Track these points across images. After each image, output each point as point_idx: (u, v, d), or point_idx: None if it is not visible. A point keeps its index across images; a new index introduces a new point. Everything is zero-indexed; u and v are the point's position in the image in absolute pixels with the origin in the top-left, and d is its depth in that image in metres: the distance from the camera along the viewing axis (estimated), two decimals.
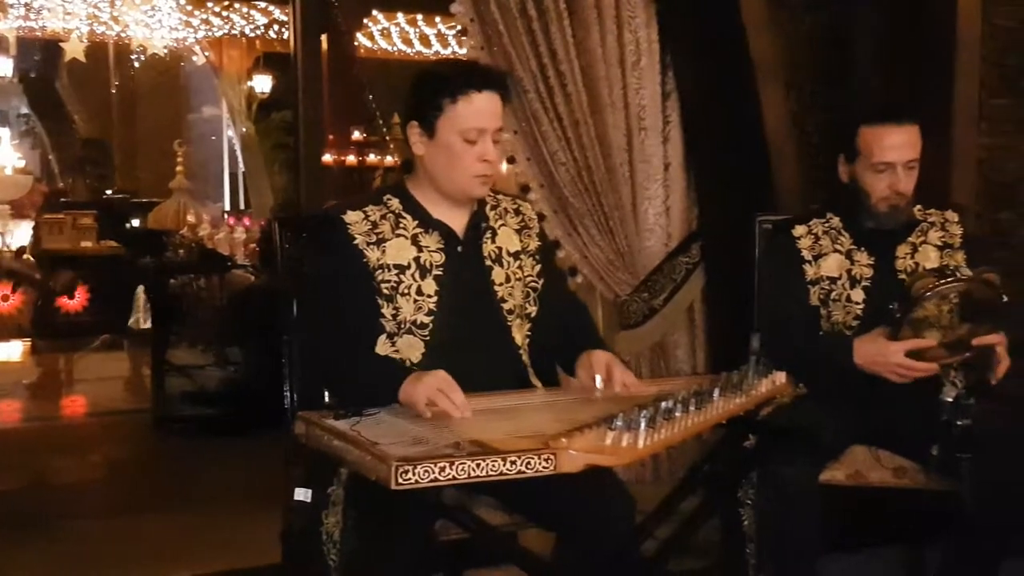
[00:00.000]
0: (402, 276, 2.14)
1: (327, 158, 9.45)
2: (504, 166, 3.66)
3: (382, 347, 2.15)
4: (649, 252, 3.61)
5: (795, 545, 2.39)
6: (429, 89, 2.14)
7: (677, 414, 1.85)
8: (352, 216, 2.16)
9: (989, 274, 2.39)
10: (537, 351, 2.26)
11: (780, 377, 2.23)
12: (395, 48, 10.03)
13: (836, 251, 2.63)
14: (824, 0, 3.37)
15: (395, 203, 2.21)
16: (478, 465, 1.63)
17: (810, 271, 2.64)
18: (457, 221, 2.21)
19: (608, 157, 3.48)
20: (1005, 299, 2.36)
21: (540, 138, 3.49)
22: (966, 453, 1.99)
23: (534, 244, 2.31)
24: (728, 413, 2.03)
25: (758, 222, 2.88)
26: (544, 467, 1.67)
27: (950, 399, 2.03)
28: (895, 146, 2.52)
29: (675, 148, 3.61)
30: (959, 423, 2.00)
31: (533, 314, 2.27)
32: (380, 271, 2.13)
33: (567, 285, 2.45)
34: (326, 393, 2.28)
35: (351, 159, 10.29)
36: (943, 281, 2.34)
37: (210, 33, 10.60)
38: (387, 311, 2.13)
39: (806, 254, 2.65)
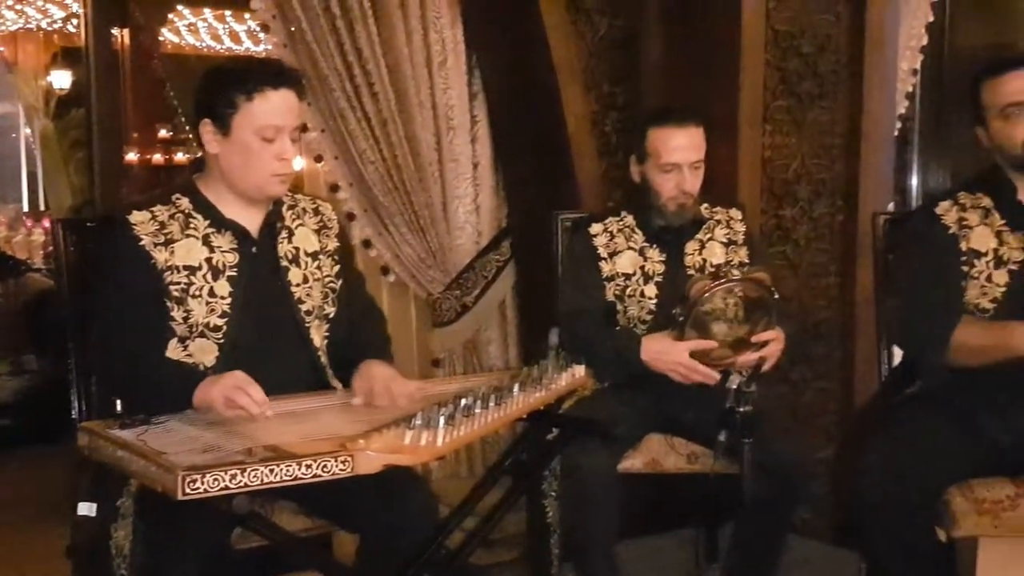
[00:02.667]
0: (193, 277, 2.08)
1: (132, 157, 9.03)
2: (319, 166, 3.61)
3: (173, 351, 2.08)
4: (460, 250, 3.64)
5: (595, 532, 2.46)
6: (223, 86, 2.09)
7: (477, 411, 1.85)
8: (138, 216, 2.09)
9: (758, 273, 2.54)
10: (336, 352, 2.24)
11: (579, 371, 2.27)
12: (204, 44, 9.68)
13: (630, 248, 2.73)
14: (618, 5, 3.46)
15: (184, 202, 2.14)
16: (272, 471, 1.59)
17: (606, 268, 2.72)
18: (251, 221, 2.17)
19: (417, 156, 3.48)
20: (776, 296, 2.50)
21: (348, 136, 3.45)
22: (747, 438, 2.09)
23: (333, 245, 2.29)
24: (528, 407, 2.05)
25: (559, 219, 2.96)
26: (341, 469, 1.64)
27: (733, 387, 2.13)
28: (681, 147, 2.62)
29: (483, 147, 3.65)
30: (741, 409, 2.10)
31: (332, 315, 2.25)
32: (169, 272, 2.07)
33: (365, 289, 2.43)
34: (118, 402, 2.19)
35: (157, 158, 9.85)
36: (716, 283, 2.47)
37: (3, 27, 9.94)
38: (177, 314, 2.07)
39: (602, 251, 2.73)
